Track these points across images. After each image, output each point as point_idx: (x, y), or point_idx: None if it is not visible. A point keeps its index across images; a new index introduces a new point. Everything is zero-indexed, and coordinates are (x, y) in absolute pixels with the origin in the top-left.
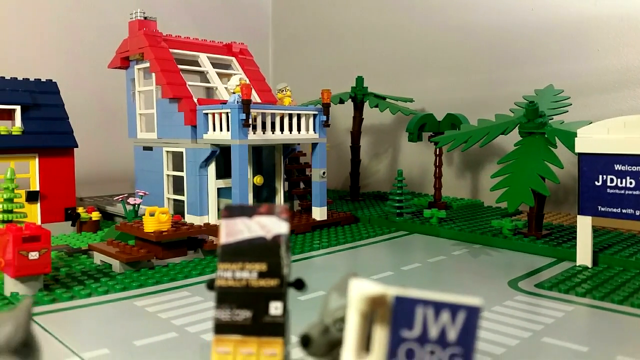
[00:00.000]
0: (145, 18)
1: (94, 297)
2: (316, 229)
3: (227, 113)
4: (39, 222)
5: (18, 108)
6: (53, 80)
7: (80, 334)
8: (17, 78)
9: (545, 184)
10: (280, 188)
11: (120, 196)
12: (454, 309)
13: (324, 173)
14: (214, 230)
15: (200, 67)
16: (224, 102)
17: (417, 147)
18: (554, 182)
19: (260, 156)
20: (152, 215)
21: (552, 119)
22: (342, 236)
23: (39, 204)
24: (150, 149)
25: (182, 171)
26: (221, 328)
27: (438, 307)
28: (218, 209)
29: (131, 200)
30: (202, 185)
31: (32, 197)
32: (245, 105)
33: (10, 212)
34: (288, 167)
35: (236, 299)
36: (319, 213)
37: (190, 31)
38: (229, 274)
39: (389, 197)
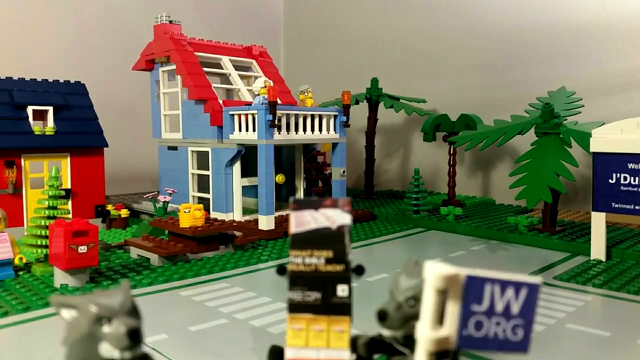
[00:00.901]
0: (170, 22)
1: (140, 289)
2: None
3: (253, 114)
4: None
5: (50, 109)
6: (81, 82)
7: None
8: (47, 80)
9: (561, 182)
10: (300, 186)
11: (150, 194)
12: (517, 286)
13: (343, 172)
14: (243, 226)
15: (223, 69)
16: (249, 104)
17: (429, 146)
18: (569, 180)
19: (280, 156)
20: (187, 211)
21: (566, 119)
22: (362, 232)
23: (70, 202)
24: (175, 148)
25: (207, 170)
26: (294, 307)
27: (504, 284)
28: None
29: (161, 198)
30: (228, 184)
31: (65, 194)
32: (272, 106)
33: (55, 208)
34: (307, 166)
35: (306, 282)
36: None
37: (203, 33)
38: (300, 260)
39: (406, 194)
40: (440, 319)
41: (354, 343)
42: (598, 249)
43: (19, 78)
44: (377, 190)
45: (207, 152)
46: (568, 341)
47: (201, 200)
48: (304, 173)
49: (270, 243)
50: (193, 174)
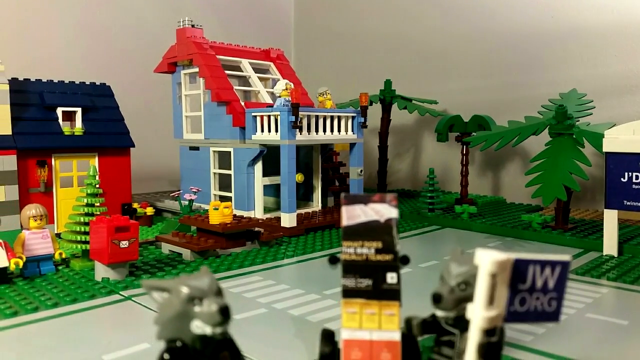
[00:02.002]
0: (192, 26)
1: None
2: None
3: (276, 116)
4: None
5: (79, 110)
6: (106, 84)
7: None
8: (74, 82)
9: (575, 180)
10: (318, 185)
11: (176, 192)
12: (553, 264)
13: (361, 171)
14: (265, 224)
15: (242, 72)
16: (270, 106)
17: (439, 146)
18: (583, 178)
19: (298, 155)
20: (216, 209)
21: (578, 120)
22: None
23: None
24: (196, 148)
25: (229, 169)
26: (348, 293)
27: (543, 264)
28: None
29: (187, 196)
30: (249, 183)
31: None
32: (295, 108)
33: (93, 206)
34: (324, 166)
35: (358, 270)
36: None
37: (215, 36)
38: (352, 250)
39: (421, 193)
40: (491, 299)
41: (408, 323)
42: (610, 244)
43: (47, 80)
44: (388, 190)
45: (229, 152)
46: (590, 329)
47: (222, 198)
48: (321, 172)
49: (292, 239)
50: (215, 173)
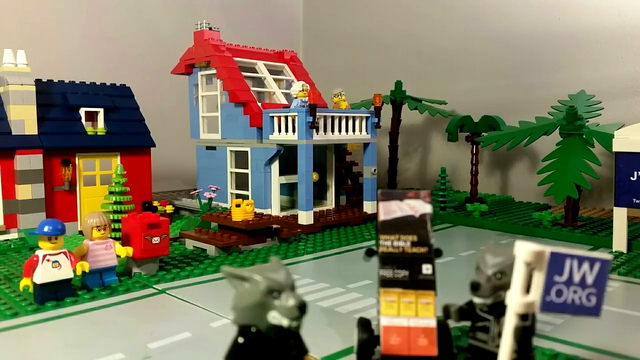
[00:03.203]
0: (210, 29)
1: (206, 276)
2: (367, 221)
3: (293, 116)
4: None
5: (101, 111)
6: (126, 85)
7: (217, 302)
8: (95, 82)
9: (586, 179)
10: (332, 184)
11: (195, 191)
12: (592, 261)
13: (374, 170)
14: (283, 221)
15: (258, 73)
16: (287, 107)
17: (447, 146)
18: (593, 177)
19: (313, 155)
20: (237, 206)
21: (588, 121)
22: None
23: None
24: (213, 148)
25: (246, 168)
26: (386, 283)
27: (581, 259)
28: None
29: (207, 194)
30: (267, 181)
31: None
32: (312, 109)
33: (121, 203)
34: (337, 165)
35: (395, 261)
36: (370, 206)
37: (225, 36)
38: (389, 243)
39: (432, 192)
40: (527, 287)
41: (446, 310)
42: (620, 241)
43: (69, 81)
44: (398, 189)
45: (246, 151)
46: (606, 320)
47: (239, 197)
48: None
49: (310, 236)
50: (231, 172)
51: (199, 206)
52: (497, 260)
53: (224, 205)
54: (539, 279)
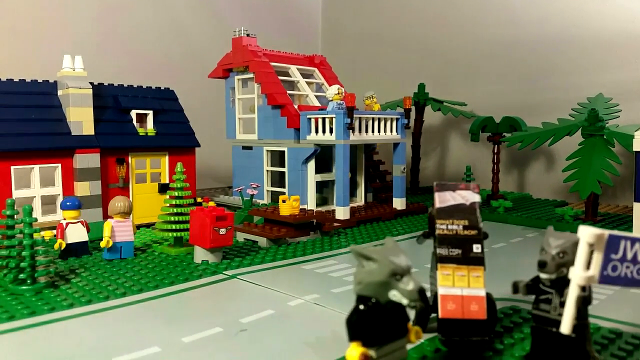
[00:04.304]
0: (247, 35)
1: (265, 264)
2: (397, 216)
3: (331, 118)
4: None
5: (150, 113)
6: (170, 89)
7: (288, 285)
8: (142, 86)
9: (608, 176)
10: (362, 182)
11: (238, 188)
12: None
13: (404, 169)
14: (324, 216)
15: (291, 77)
16: (322, 109)
17: (465, 145)
18: (614, 175)
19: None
20: (284, 202)
21: (607, 123)
22: (421, 224)
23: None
24: (249, 148)
25: (282, 167)
26: (442, 259)
27: (633, 240)
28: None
29: (249, 191)
30: (303, 179)
31: (163, 188)
32: (350, 111)
33: (182, 198)
34: (366, 164)
35: (450, 242)
36: (399, 203)
37: None
38: (444, 226)
39: None
40: (588, 263)
41: (515, 286)
42: None
43: (118, 85)
44: (420, 186)
45: (284, 151)
46: (634, 302)
47: (275, 193)
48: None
49: (347, 230)
50: (267, 170)
51: (240, 202)
52: (559, 242)
53: (261, 201)
54: (598, 257)
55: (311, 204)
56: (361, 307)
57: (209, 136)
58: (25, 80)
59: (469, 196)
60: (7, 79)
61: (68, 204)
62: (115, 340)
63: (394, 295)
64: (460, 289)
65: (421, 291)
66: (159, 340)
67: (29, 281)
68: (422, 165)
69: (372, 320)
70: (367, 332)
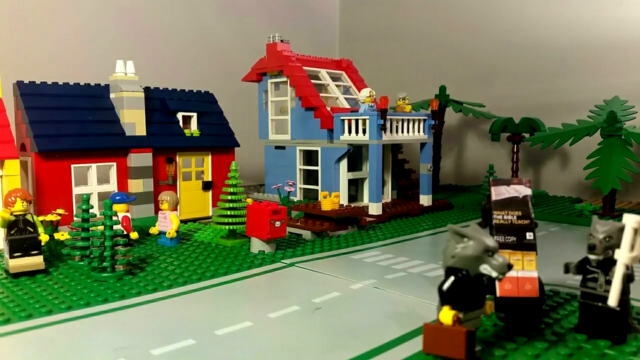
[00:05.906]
0: (282, 41)
1: (316, 254)
2: (424, 212)
3: (364, 119)
4: (211, 207)
5: (195, 115)
6: (210, 92)
7: (345, 272)
8: (184, 89)
9: (627, 174)
10: (389, 180)
11: (275, 185)
12: None
13: (430, 167)
14: (359, 212)
15: (321, 80)
16: (354, 110)
17: (481, 145)
18: (633, 172)
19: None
20: (325, 198)
21: (625, 124)
22: (447, 219)
23: (211, 192)
24: (282, 148)
25: (316, 165)
26: (500, 246)
27: None
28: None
29: (286, 188)
30: (336, 177)
31: (207, 186)
32: (383, 113)
33: (236, 194)
34: (393, 163)
35: (505, 230)
36: (425, 200)
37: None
38: (500, 217)
39: (482, 186)
40: (632, 246)
41: (567, 266)
42: None
43: (163, 88)
44: (440, 185)
45: (317, 150)
46: None
47: (307, 191)
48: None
49: (381, 224)
50: (300, 169)
51: (276, 199)
52: (605, 228)
53: (293, 198)
54: None
55: (343, 200)
56: (452, 277)
57: (237, 136)
58: (79, 83)
59: (522, 190)
60: (63, 83)
61: (117, 198)
62: (210, 316)
63: (485, 268)
64: (516, 272)
65: (510, 265)
66: (249, 316)
67: (109, 269)
68: (441, 164)
69: (461, 288)
70: (457, 298)
